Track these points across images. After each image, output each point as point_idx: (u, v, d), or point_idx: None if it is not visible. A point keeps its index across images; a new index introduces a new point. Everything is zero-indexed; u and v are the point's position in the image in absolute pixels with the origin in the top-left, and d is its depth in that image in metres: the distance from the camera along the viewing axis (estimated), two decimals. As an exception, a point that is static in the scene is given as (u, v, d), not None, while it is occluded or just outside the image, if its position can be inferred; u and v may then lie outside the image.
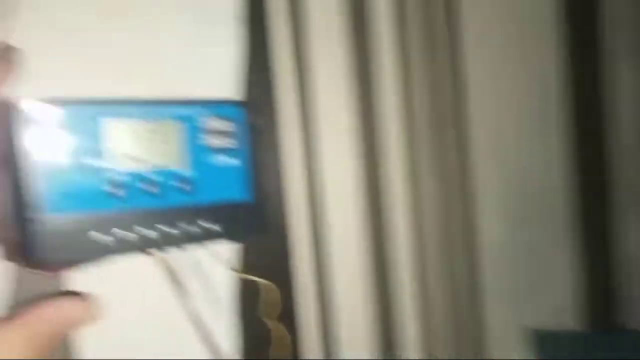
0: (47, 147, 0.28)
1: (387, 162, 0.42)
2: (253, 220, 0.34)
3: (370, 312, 0.43)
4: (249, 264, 0.39)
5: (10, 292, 0.32)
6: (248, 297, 0.39)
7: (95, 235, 0.29)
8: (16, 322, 0.28)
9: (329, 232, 0.43)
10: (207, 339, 0.37)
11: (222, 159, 0.34)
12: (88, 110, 0.29)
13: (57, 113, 0.28)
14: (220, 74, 0.38)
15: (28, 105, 0.28)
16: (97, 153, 0.30)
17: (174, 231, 0.31)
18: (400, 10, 0.42)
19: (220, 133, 0.33)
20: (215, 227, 0.33)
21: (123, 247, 0.30)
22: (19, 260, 0.29)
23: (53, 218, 0.28)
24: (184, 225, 0.32)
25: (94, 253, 0.29)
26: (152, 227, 0.31)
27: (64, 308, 0.29)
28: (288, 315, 0.41)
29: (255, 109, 0.35)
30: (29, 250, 0.28)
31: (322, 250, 0.43)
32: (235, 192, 0.34)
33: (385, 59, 0.42)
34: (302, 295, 0.42)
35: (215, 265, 0.38)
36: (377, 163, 0.43)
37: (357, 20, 0.42)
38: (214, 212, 0.33)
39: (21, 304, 0.29)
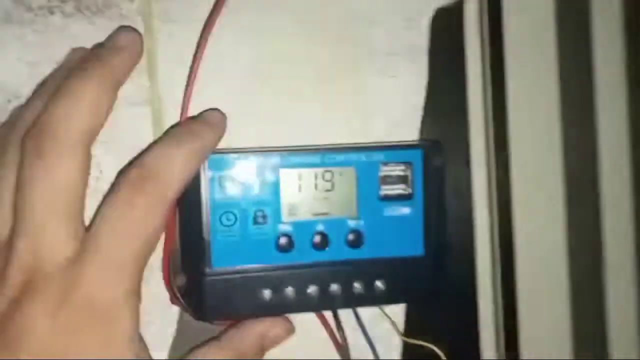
0: (225, 197, 0.27)
1: (610, 226, 0.33)
2: (427, 281, 0.29)
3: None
4: (423, 330, 0.34)
5: (173, 339, 0.31)
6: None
7: (263, 292, 0.27)
8: (222, 344, 0.28)
9: (524, 296, 0.36)
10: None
11: (397, 209, 0.29)
12: (266, 160, 0.28)
13: (233, 163, 0.28)
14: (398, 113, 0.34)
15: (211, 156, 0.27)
16: (270, 204, 0.28)
17: (339, 291, 0.28)
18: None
19: (397, 180, 0.29)
20: (386, 286, 0.29)
21: (290, 305, 0.28)
22: (185, 309, 0.29)
23: (222, 272, 0.27)
24: (352, 284, 0.28)
25: (261, 310, 0.27)
26: (319, 284, 0.28)
27: (268, 325, 0.28)
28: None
29: (438, 151, 0.30)
30: (196, 304, 0.27)
31: (513, 321, 0.36)
32: (409, 246, 0.29)
33: (609, 89, 0.33)
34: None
35: (383, 329, 0.34)
36: (594, 217, 0.34)
37: (574, 44, 0.34)
38: (386, 268, 0.29)
39: (178, 353, 0.28)
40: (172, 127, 0.28)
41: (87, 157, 0.25)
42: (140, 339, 0.26)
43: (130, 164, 0.25)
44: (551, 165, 0.37)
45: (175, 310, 0.31)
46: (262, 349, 0.29)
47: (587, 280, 0.35)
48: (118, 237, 0.24)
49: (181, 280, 0.30)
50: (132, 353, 0.25)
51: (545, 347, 0.36)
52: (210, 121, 0.27)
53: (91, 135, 0.25)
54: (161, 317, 0.31)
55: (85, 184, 0.24)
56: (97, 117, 0.25)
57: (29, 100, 0.27)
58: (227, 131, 0.31)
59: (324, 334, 0.31)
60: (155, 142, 0.26)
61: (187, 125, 0.27)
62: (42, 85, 0.28)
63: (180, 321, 0.31)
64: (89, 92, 0.24)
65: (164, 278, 0.29)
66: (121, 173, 0.25)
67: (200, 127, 0.27)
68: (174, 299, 0.29)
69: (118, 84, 0.26)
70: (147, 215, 0.24)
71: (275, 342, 0.29)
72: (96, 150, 0.28)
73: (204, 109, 0.29)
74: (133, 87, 0.29)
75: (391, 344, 0.34)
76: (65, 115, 0.24)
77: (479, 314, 0.35)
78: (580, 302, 0.35)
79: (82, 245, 0.24)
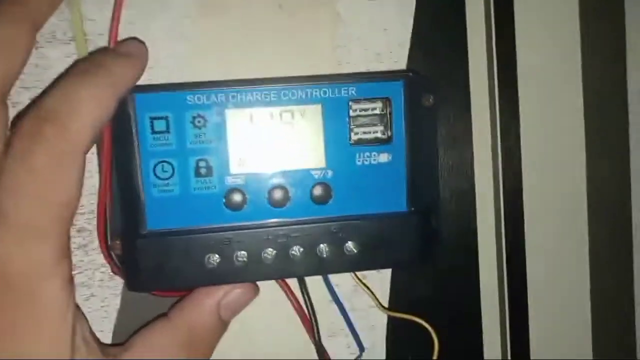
0: (159, 143, 0.23)
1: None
2: (412, 242, 0.24)
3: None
4: (413, 298, 0.29)
5: (117, 312, 0.27)
6: (406, 343, 0.29)
7: (209, 257, 0.22)
8: (172, 322, 0.24)
9: (535, 260, 0.30)
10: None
11: (373, 156, 0.24)
12: (209, 98, 0.23)
13: (169, 101, 0.22)
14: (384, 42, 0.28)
15: (140, 94, 0.22)
16: (216, 152, 0.23)
17: (302, 254, 0.23)
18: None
19: (372, 121, 0.24)
20: (359, 249, 0.24)
21: (242, 272, 0.23)
22: (124, 280, 0.24)
23: (159, 233, 0.23)
24: (320, 247, 0.23)
25: (207, 279, 0.23)
26: (277, 248, 0.23)
27: (224, 290, 0.24)
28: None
29: (427, 87, 0.25)
30: (129, 271, 0.23)
31: (519, 292, 0.30)
32: (388, 201, 0.24)
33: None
34: (488, 347, 0.30)
35: (366, 294, 0.29)
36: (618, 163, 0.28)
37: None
38: (359, 228, 0.24)
39: (124, 327, 0.24)
40: (77, 62, 0.23)
41: (2, 107, 0.20)
42: (77, 315, 0.22)
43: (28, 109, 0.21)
44: (569, 109, 0.31)
45: (119, 280, 0.27)
46: (222, 321, 0.24)
47: (609, 245, 0.29)
48: (23, 200, 0.19)
49: (117, 246, 0.25)
50: (63, 331, 0.21)
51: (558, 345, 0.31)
52: (125, 52, 0.22)
53: (5, 80, 0.20)
54: (102, 289, 0.27)
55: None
56: (11, 61, 0.20)
57: None
58: (167, 66, 0.26)
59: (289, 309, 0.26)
60: (55, 81, 0.21)
61: (93, 58, 0.22)
62: None
63: (126, 293, 0.27)
64: (2, 31, 0.20)
65: (100, 243, 0.24)
66: (16, 121, 0.20)
67: (111, 59, 0.22)
68: (114, 268, 0.25)
69: (36, 24, 0.21)
70: (52, 167, 0.19)
71: (236, 308, 0.24)
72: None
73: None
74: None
75: (374, 320, 0.29)
76: None
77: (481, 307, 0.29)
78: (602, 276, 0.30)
79: None
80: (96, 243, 0.27)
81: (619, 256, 0.29)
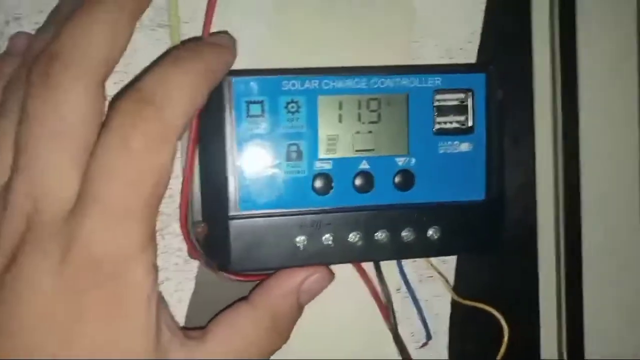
0: (252, 128, 0.23)
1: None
2: (488, 229, 0.25)
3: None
4: (477, 287, 0.30)
5: (191, 296, 0.27)
6: (470, 331, 0.30)
7: (297, 239, 0.23)
8: (255, 306, 0.24)
9: (591, 250, 0.31)
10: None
11: (455, 145, 0.25)
12: (302, 84, 0.23)
13: (263, 86, 0.23)
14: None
15: (237, 78, 0.23)
16: (306, 137, 0.24)
17: (386, 239, 0.24)
18: None
19: (455, 110, 0.25)
20: (440, 235, 0.24)
21: (329, 254, 0.24)
22: (206, 262, 0.25)
23: (250, 215, 0.23)
24: (401, 231, 0.24)
25: (294, 260, 0.23)
26: (362, 232, 0.23)
27: (303, 275, 0.24)
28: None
29: (501, 80, 0.26)
30: (220, 253, 0.23)
31: (578, 278, 0.31)
32: (468, 189, 0.25)
33: None
34: (546, 335, 0.31)
35: (430, 284, 0.29)
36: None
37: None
38: (440, 215, 0.24)
39: (197, 312, 0.24)
40: (172, 48, 0.24)
41: (101, 91, 0.20)
42: (160, 299, 0.22)
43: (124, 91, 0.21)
44: (626, 105, 0.32)
45: (194, 265, 0.27)
46: (300, 305, 0.24)
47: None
48: (117, 181, 0.19)
49: (201, 229, 0.26)
50: (148, 315, 0.21)
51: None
52: (217, 42, 0.23)
53: (107, 66, 0.21)
54: (177, 273, 0.27)
55: (96, 123, 0.20)
56: (115, 46, 0.21)
57: (38, 31, 0.23)
58: (255, 54, 0.26)
59: (362, 292, 0.27)
60: (152, 65, 0.22)
61: (189, 45, 0.23)
62: (53, 13, 0.24)
63: (200, 277, 0.27)
64: (106, 18, 0.20)
65: (182, 227, 0.25)
66: (113, 102, 0.20)
67: (204, 47, 0.22)
68: (193, 252, 0.25)
69: (138, 11, 0.22)
70: (149, 150, 0.20)
71: (314, 293, 0.25)
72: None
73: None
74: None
75: (438, 308, 0.30)
76: (80, 41, 0.20)
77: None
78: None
79: (81, 192, 0.20)
80: (172, 227, 0.27)
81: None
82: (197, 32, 0.24)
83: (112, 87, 0.26)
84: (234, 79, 0.23)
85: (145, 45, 0.26)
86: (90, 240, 0.19)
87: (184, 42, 0.25)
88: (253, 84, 0.23)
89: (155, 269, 0.21)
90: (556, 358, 0.31)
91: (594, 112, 0.31)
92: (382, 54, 0.28)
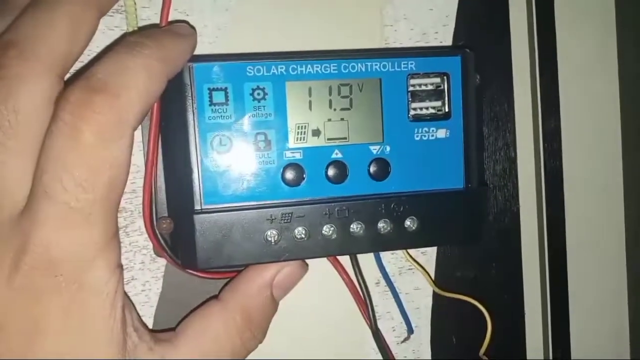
0: (217, 116, 0.22)
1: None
2: (468, 219, 0.24)
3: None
4: (459, 279, 0.29)
5: (159, 296, 0.26)
6: (453, 324, 0.29)
7: (267, 233, 0.22)
8: (225, 306, 0.23)
9: (575, 240, 0.31)
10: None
11: (431, 132, 0.24)
12: (269, 70, 0.22)
13: (227, 72, 0.22)
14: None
15: (199, 64, 0.22)
16: (274, 125, 0.22)
17: (361, 231, 0.23)
18: None
19: (430, 96, 0.24)
20: (418, 226, 0.23)
21: (302, 248, 0.23)
22: (172, 259, 0.23)
23: (216, 209, 0.22)
24: (380, 223, 0.23)
25: (265, 255, 0.22)
26: (337, 224, 0.22)
27: (275, 269, 0.23)
28: (506, 351, 0.30)
29: (481, 61, 0.25)
30: (185, 250, 0.22)
31: (562, 267, 0.31)
32: (446, 178, 0.24)
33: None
34: (531, 327, 0.30)
35: (410, 276, 0.28)
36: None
37: None
38: (417, 205, 0.23)
39: (166, 312, 0.23)
40: (126, 34, 0.22)
41: (57, 85, 0.19)
42: (126, 301, 0.20)
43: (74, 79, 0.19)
44: (606, 91, 0.31)
45: (161, 263, 0.26)
46: (274, 300, 0.23)
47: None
48: (68, 178, 0.18)
49: (167, 225, 0.24)
50: (112, 320, 0.19)
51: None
52: (175, 31, 0.21)
53: (67, 60, 0.19)
54: (143, 272, 0.26)
55: (50, 116, 0.19)
56: (76, 40, 0.19)
57: None
58: (220, 39, 0.25)
59: (340, 287, 0.26)
60: (105, 51, 0.20)
61: (145, 31, 0.21)
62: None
63: (168, 276, 0.26)
64: (70, 11, 0.19)
65: (145, 224, 0.23)
66: (63, 91, 0.19)
67: (161, 33, 0.21)
68: (158, 249, 0.24)
69: (104, 7, 0.20)
70: (101, 143, 0.18)
71: (287, 287, 0.24)
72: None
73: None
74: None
75: (419, 302, 0.29)
76: (41, 32, 0.19)
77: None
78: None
79: (32, 191, 0.18)
80: (137, 224, 0.26)
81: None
82: (157, 18, 0.23)
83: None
84: (195, 65, 0.22)
85: (101, 30, 0.24)
86: (44, 243, 0.18)
87: (141, 29, 0.23)
88: (215, 69, 0.22)
89: (119, 269, 0.20)
90: (541, 345, 0.30)
91: (574, 95, 0.30)
92: (354, 38, 0.26)
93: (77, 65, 0.22)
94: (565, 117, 0.30)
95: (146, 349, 0.21)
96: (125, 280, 0.26)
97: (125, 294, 0.21)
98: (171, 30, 0.22)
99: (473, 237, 0.24)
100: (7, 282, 0.18)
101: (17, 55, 0.18)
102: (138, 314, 0.22)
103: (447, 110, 0.24)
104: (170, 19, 0.22)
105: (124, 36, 0.23)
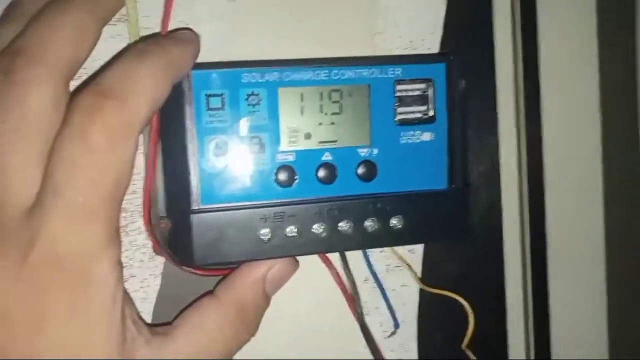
0: (213, 120, 0.23)
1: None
2: (451, 218, 0.25)
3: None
4: (445, 276, 0.30)
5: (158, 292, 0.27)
6: (438, 320, 0.30)
7: (260, 232, 0.23)
8: (220, 300, 0.24)
9: (556, 239, 0.32)
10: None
11: (417, 135, 0.25)
12: (262, 77, 0.23)
13: (223, 79, 0.23)
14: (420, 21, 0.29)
15: (197, 71, 0.23)
16: (268, 129, 0.24)
17: (349, 229, 0.24)
18: None
19: (416, 101, 0.25)
20: (404, 224, 0.24)
21: (293, 246, 0.24)
22: (171, 257, 0.24)
23: (212, 209, 0.23)
24: (367, 222, 0.24)
25: (259, 253, 0.23)
26: (326, 223, 0.24)
27: (267, 266, 0.24)
28: (490, 348, 0.31)
29: (463, 69, 0.26)
30: (183, 247, 0.23)
31: (543, 264, 0.32)
32: (431, 179, 0.25)
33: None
34: (513, 322, 0.32)
35: (398, 274, 0.30)
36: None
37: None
38: (403, 205, 0.25)
39: (164, 308, 0.24)
40: (133, 43, 0.24)
41: (65, 91, 0.20)
42: (125, 296, 0.22)
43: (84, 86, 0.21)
44: (587, 97, 0.33)
45: (159, 261, 0.27)
46: (265, 295, 0.24)
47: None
48: (77, 177, 0.19)
49: (165, 225, 0.25)
50: (113, 313, 0.20)
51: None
52: (179, 38, 0.23)
53: (72, 66, 0.21)
54: (142, 270, 0.27)
55: (59, 121, 0.20)
56: (81, 47, 0.21)
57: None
58: (217, 47, 0.26)
59: (329, 283, 0.27)
60: (113, 59, 0.22)
61: (151, 39, 0.23)
62: (12, 7, 0.23)
63: (166, 273, 0.27)
64: (75, 18, 0.21)
65: (145, 223, 0.24)
66: (73, 97, 0.20)
67: (167, 40, 0.22)
68: (157, 248, 0.25)
69: (108, 14, 0.22)
70: (109, 145, 0.19)
71: (279, 282, 0.25)
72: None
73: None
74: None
75: (406, 298, 0.30)
76: (46, 39, 0.20)
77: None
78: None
79: (42, 189, 0.19)
80: (136, 224, 0.27)
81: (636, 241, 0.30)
82: (158, 26, 0.24)
83: (70, 83, 0.25)
84: (193, 72, 0.23)
85: (104, 39, 0.25)
86: (52, 238, 0.19)
87: (144, 37, 0.24)
88: (213, 76, 0.23)
89: (119, 265, 0.21)
90: (523, 342, 0.32)
91: (556, 99, 0.31)
92: (345, 46, 0.28)
93: (81, 72, 0.24)
94: (547, 120, 0.31)
95: (144, 341, 0.22)
96: (124, 277, 0.27)
97: (125, 290, 0.22)
98: (176, 37, 0.23)
99: (456, 235, 0.26)
100: (15, 275, 0.19)
101: (26, 61, 0.20)
102: (136, 309, 0.23)
103: (432, 114, 0.25)
104: (170, 28, 0.23)
105: (129, 45, 0.24)
